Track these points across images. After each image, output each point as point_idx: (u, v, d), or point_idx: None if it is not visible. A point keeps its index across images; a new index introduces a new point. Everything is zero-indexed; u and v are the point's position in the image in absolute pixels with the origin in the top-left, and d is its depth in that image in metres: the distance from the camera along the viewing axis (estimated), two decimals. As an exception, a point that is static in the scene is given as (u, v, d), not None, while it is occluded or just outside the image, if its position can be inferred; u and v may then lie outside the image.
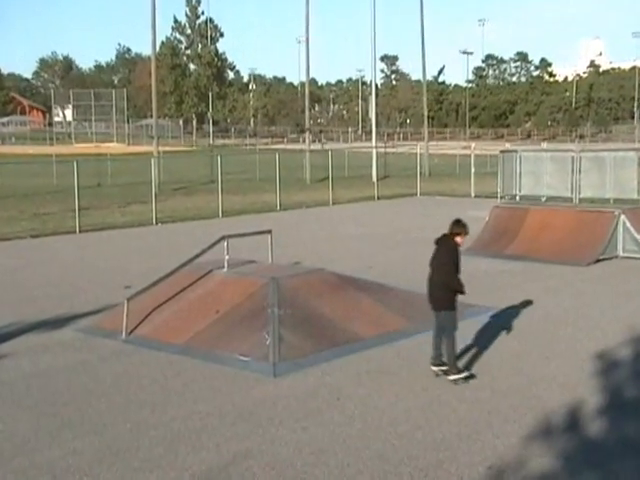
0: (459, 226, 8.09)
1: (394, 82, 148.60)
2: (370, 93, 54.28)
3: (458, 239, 8.04)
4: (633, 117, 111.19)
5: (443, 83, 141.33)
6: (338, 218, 23.90)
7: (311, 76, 65.71)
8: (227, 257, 10.51)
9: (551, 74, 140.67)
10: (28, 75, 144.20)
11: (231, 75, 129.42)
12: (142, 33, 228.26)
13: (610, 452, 6.30)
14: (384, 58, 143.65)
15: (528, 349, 9.09)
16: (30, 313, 11.13)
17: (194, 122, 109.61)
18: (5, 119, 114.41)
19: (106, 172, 38.62)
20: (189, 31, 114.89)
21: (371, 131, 45.12)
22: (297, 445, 6.40)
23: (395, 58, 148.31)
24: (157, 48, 54.21)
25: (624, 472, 5.96)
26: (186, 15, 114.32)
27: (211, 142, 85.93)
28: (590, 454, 6.28)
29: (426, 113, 51.10)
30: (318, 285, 10.20)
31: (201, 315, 9.61)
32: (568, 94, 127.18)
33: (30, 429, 6.80)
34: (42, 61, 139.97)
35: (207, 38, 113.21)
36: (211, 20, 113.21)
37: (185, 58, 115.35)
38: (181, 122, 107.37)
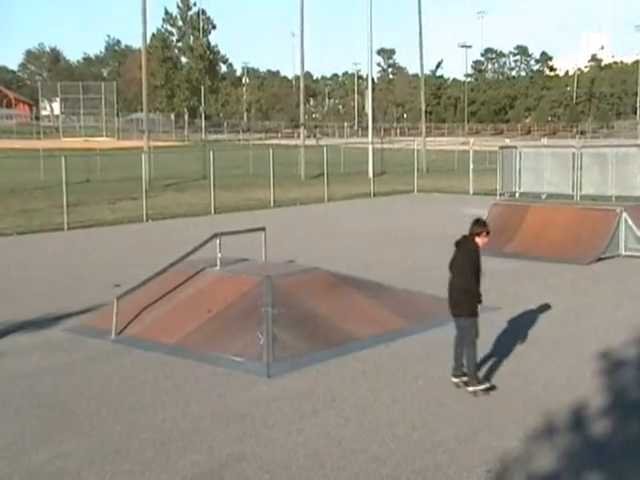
0: (479, 225, 7.79)
1: (391, 76, 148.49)
2: (366, 87, 54.27)
3: (478, 240, 7.73)
4: (635, 112, 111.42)
5: (441, 77, 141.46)
6: (333, 215, 23.91)
7: (306, 69, 65.71)
8: (220, 255, 10.51)
9: (552, 68, 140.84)
10: (14, 67, 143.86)
11: (224, 68, 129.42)
12: (132, 25, 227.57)
13: (613, 454, 6.31)
14: (381, 51, 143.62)
15: (528, 349, 9.10)
16: (16, 312, 11.10)
17: (186, 116, 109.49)
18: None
19: (95, 167, 38.55)
20: (180, 23, 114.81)
21: (367, 126, 45.16)
22: (291, 447, 6.40)
23: (392, 51, 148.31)
24: (148, 40, 54.11)
25: (627, 474, 5.97)
26: (177, 7, 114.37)
27: (203, 137, 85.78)
28: (593, 456, 6.29)
29: (424, 108, 51.11)
30: (313, 284, 10.20)
31: (193, 314, 9.60)
32: (569, 89, 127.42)
33: (16, 431, 6.79)
34: (29, 53, 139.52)
35: (199, 30, 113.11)
36: (203, 12, 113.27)
37: (176, 51, 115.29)
38: (172, 116, 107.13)
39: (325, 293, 10.05)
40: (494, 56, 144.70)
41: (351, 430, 6.75)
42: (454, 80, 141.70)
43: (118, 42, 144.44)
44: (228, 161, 39.80)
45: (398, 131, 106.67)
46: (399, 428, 6.78)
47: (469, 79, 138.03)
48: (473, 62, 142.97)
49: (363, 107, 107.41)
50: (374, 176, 34.02)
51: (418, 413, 7.14)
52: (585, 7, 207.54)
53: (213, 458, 6.22)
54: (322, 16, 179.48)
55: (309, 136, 70.34)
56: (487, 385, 7.66)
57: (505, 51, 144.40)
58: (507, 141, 57.61)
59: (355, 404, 7.38)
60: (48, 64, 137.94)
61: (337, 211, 25.05)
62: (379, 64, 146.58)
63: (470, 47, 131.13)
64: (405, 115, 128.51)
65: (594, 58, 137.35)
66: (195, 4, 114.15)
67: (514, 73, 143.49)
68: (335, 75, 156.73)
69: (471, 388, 7.59)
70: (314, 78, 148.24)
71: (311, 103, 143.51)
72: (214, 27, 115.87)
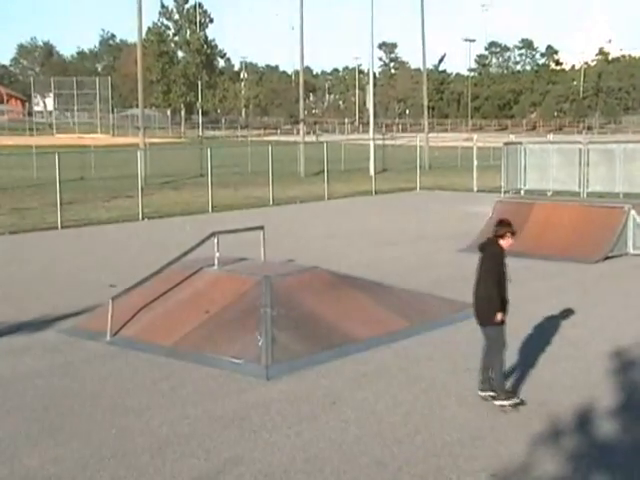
0: (502, 226, 7.48)
1: (393, 71, 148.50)
2: (367, 82, 54.31)
3: (502, 242, 7.45)
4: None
5: (444, 72, 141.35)
6: (334, 214, 23.91)
7: (305, 64, 65.62)
8: (217, 254, 10.51)
9: (558, 62, 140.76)
10: (6, 62, 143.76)
11: (221, 63, 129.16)
12: (127, 18, 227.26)
13: (621, 458, 6.32)
14: (382, 45, 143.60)
15: (533, 350, 9.11)
16: (9, 313, 11.11)
17: (182, 112, 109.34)
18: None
19: (89, 164, 38.52)
20: (177, 16, 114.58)
21: (368, 122, 45.22)
22: (291, 451, 6.40)
23: (394, 45, 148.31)
24: (143, 34, 54.09)
25: (636, 478, 5.98)
26: (174, 0, 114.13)
27: (200, 133, 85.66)
28: (600, 460, 6.29)
29: (426, 103, 51.10)
30: (313, 284, 10.20)
31: (190, 315, 9.60)
32: (575, 83, 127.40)
33: (8, 435, 6.79)
34: (21, 47, 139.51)
35: (196, 24, 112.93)
36: (200, 5, 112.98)
37: (173, 45, 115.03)
38: (169, 112, 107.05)
39: (325, 293, 10.06)
40: (498, 50, 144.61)
41: (352, 434, 6.76)
42: (457, 75, 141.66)
43: (113, 36, 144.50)
44: (226, 158, 39.79)
45: (400, 127, 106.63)
46: (401, 431, 6.79)
47: (473, 74, 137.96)
48: (477, 56, 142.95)
49: (364, 102, 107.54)
50: (375, 173, 33.99)
51: (420, 416, 7.15)
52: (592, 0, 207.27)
53: (210, 462, 6.23)
54: (322, 9, 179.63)
55: (309, 132, 70.35)
56: (516, 400, 7.37)
57: (510, 45, 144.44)
58: (512, 137, 57.47)
59: (356, 407, 7.38)
60: (41, 59, 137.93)
61: (338, 209, 25.05)
62: (380, 58, 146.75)
63: (474, 41, 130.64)
64: (407, 111, 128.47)
65: (601, 52, 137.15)
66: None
67: (519, 67, 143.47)
68: (335, 70, 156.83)
69: (498, 402, 7.33)
70: (314, 73, 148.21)
71: (311, 99, 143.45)
72: (211, 21, 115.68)
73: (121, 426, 6.96)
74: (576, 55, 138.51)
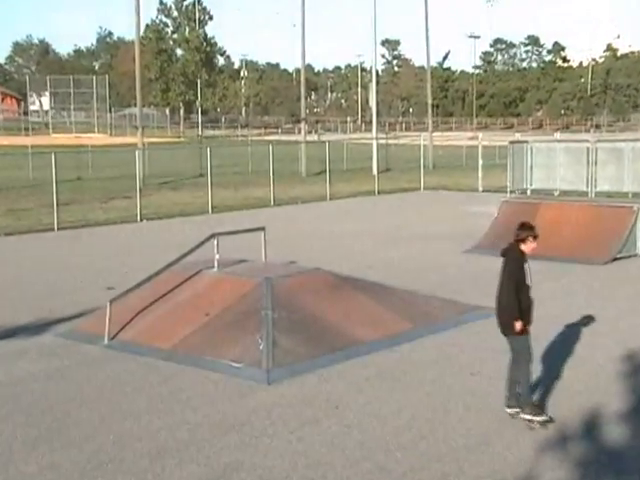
0: (523, 230, 7.18)
1: (396, 68, 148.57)
2: (370, 80, 54.29)
3: (524, 247, 7.13)
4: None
5: (448, 69, 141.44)
6: (336, 214, 23.92)
7: (307, 62, 65.68)
8: (217, 256, 10.51)
9: (565, 59, 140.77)
10: (1, 60, 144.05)
11: (221, 61, 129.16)
12: (125, 16, 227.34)
13: (630, 465, 6.30)
14: (385, 42, 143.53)
15: (541, 354, 9.08)
16: (5, 316, 11.12)
17: (181, 111, 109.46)
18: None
19: (87, 165, 38.58)
20: (176, 14, 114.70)
21: (371, 121, 45.14)
22: (292, 457, 6.40)
23: (397, 42, 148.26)
24: (141, 32, 54.18)
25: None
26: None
27: (200, 133, 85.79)
28: (609, 466, 6.28)
29: (430, 101, 51.13)
30: (315, 286, 10.20)
31: (189, 318, 9.61)
32: (583, 80, 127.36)
33: (4, 441, 6.79)
34: (16, 45, 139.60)
35: (195, 21, 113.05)
36: (199, 2, 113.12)
37: (171, 42, 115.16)
38: (167, 111, 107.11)
39: (327, 295, 10.05)
40: (504, 47, 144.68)
41: (355, 438, 6.75)
42: (462, 72, 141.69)
43: (110, 34, 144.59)
44: (226, 158, 39.83)
45: (403, 126, 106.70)
46: (405, 436, 6.78)
47: (478, 71, 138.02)
48: (482, 53, 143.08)
49: (367, 101, 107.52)
50: (378, 173, 33.98)
51: (425, 421, 7.14)
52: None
53: (210, 468, 6.22)
54: (324, 5, 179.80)
55: (310, 131, 70.30)
56: (545, 418, 7.01)
57: (515, 41, 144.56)
58: (518, 135, 57.49)
59: (359, 411, 7.38)
60: (37, 57, 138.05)
61: (340, 210, 25.05)
62: (383, 56, 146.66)
63: (479, 37, 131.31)
64: (411, 109, 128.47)
65: (609, 48, 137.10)
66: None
67: (525, 64, 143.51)
68: (337, 68, 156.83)
69: (527, 416, 7.01)
70: (315, 71, 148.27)
71: (312, 97, 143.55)
72: (211, 18, 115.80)
73: (119, 431, 6.96)
74: (583, 51, 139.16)
